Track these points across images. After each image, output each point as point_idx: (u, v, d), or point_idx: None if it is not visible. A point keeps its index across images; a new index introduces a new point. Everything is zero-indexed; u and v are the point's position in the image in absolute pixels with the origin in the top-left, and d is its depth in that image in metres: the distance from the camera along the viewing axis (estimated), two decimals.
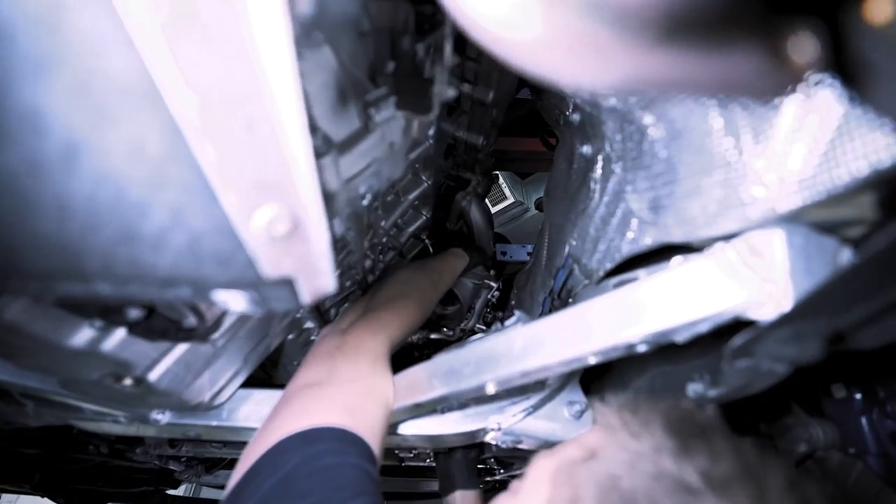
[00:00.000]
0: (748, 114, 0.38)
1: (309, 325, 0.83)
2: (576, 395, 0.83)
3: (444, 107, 0.90)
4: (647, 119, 0.48)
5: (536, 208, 1.77)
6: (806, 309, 0.35)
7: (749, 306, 0.39)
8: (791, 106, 0.34)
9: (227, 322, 0.67)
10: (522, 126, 1.70)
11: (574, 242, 0.75)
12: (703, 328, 0.44)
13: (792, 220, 0.37)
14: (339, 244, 0.69)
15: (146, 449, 1.15)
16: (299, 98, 0.29)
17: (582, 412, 0.80)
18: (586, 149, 0.70)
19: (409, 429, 0.77)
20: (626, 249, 0.58)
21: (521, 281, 1.12)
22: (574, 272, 0.79)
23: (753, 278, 0.39)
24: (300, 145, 0.31)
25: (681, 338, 0.46)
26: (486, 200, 1.88)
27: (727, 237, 0.43)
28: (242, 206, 0.32)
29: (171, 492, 1.66)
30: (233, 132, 0.29)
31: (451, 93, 0.65)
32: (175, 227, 0.34)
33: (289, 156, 0.31)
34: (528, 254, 1.44)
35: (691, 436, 0.47)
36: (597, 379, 0.86)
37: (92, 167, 0.31)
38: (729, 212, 0.42)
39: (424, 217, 1.09)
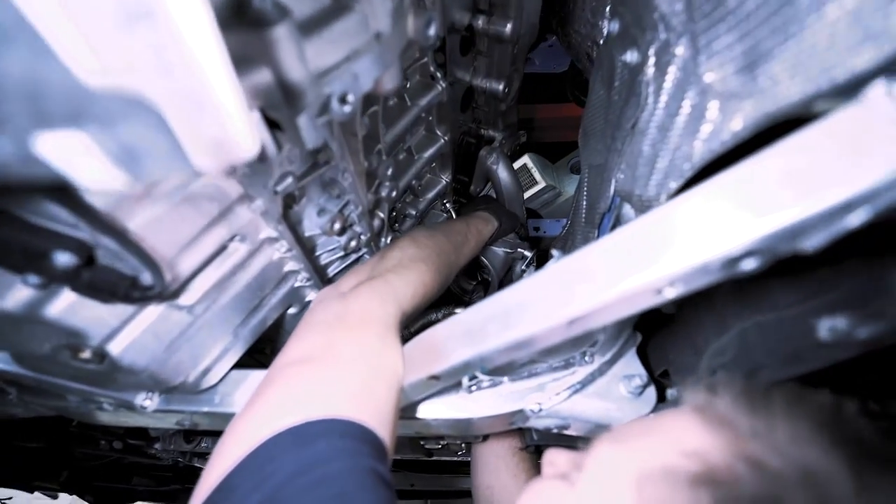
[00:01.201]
0: None
1: (312, 296, 0.70)
2: (633, 366, 0.65)
3: (456, 44, 0.76)
4: None
5: (572, 171, 1.58)
6: None
7: None
8: None
9: (202, 284, 0.53)
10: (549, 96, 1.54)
11: (622, 175, 0.58)
12: (860, 218, 0.27)
13: None
14: (322, 165, 0.54)
15: (164, 445, 1.04)
16: None
17: (643, 388, 0.62)
18: (630, 55, 0.53)
19: (431, 411, 0.61)
20: (701, 152, 0.41)
21: (556, 248, 0.95)
22: (624, 213, 0.61)
23: None
24: None
25: (816, 241, 0.28)
26: None
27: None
28: None
29: None
30: None
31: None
32: None
33: None
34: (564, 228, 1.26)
35: (861, 454, 0.30)
36: (657, 348, 0.68)
37: None
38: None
39: (444, 182, 0.94)
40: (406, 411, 0.60)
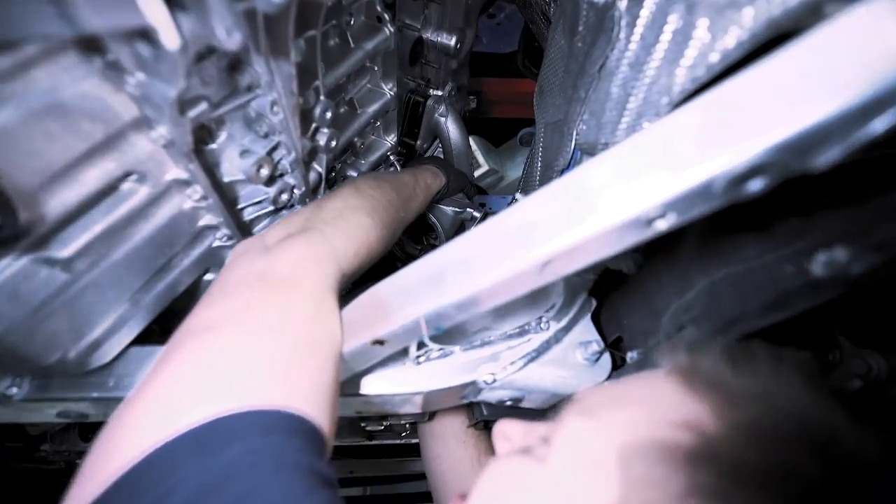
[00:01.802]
0: None
1: None
2: (589, 332, 0.61)
3: None
4: None
5: (521, 144, 1.55)
6: None
7: None
8: None
9: (83, 233, 0.42)
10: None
11: (584, 127, 0.53)
12: (884, 124, 0.23)
13: None
14: (246, 92, 0.44)
15: (54, 445, 0.87)
16: None
17: (599, 354, 0.58)
18: None
19: (374, 386, 0.53)
20: (683, 82, 0.37)
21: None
22: None
23: None
24: None
25: (831, 156, 0.24)
26: None
27: None
28: None
29: None
30: None
31: None
32: None
33: None
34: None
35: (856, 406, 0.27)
36: (611, 314, 0.65)
37: None
38: None
39: (389, 144, 0.85)
40: (345, 387, 0.52)
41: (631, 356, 0.58)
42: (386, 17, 0.66)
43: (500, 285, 0.33)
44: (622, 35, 0.44)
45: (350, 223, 0.52)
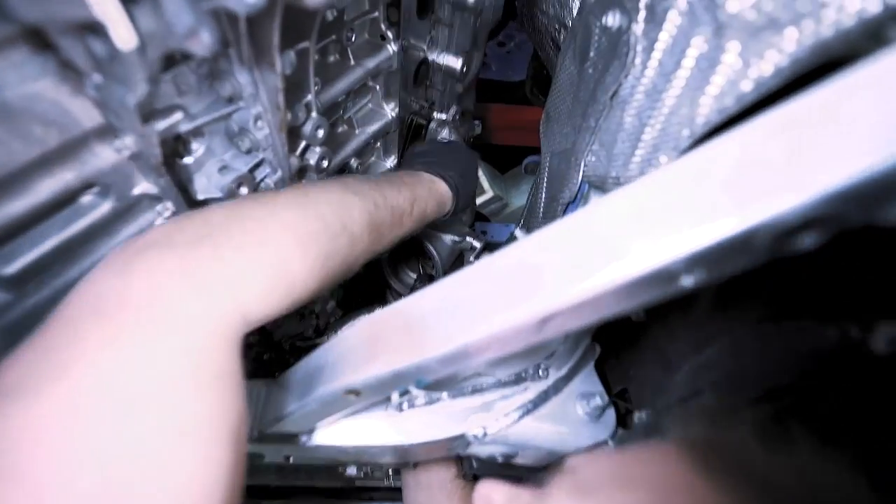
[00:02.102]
0: None
1: None
2: (591, 383, 0.55)
3: (414, 2, 0.65)
4: None
5: (526, 172, 1.51)
6: None
7: None
8: None
9: (32, 250, 0.37)
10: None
11: (592, 158, 0.49)
12: None
13: None
14: (226, 104, 0.40)
15: None
16: None
17: (602, 409, 0.52)
18: (612, 17, 0.44)
19: (348, 435, 0.47)
20: (708, 112, 0.32)
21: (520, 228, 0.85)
22: (591, 201, 0.52)
23: None
24: None
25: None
26: None
27: None
28: None
29: None
30: None
31: None
32: None
33: None
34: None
35: None
36: (617, 362, 0.59)
37: None
38: None
39: (388, 167, 0.81)
40: (316, 435, 0.46)
41: (639, 416, 0.52)
42: (390, 35, 0.63)
43: (491, 340, 0.27)
44: (638, 61, 0.40)
45: (272, 244, 0.35)
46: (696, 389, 0.40)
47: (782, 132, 0.20)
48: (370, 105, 0.71)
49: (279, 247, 0.35)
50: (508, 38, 1.54)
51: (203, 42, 0.28)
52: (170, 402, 0.26)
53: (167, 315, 0.27)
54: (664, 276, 0.23)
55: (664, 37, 0.36)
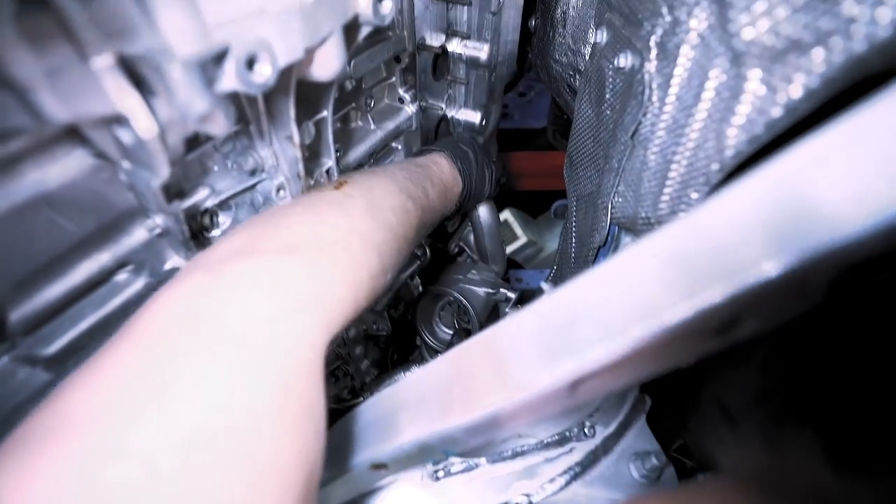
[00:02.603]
0: None
1: None
2: (645, 440, 0.50)
3: (428, 64, 0.67)
4: None
5: (555, 216, 1.49)
6: None
7: None
8: None
9: (69, 329, 0.38)
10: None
11: (619, 199, 0.47)
12: None
13: None
14: (249, 177, 0.41)
15: None
16: None
17: (660, 470, 0.47)
18: (625, 59, 0.44)
19: None
20: (737, 143, 0.30)
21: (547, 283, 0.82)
22: (625, 245, 0.49)
23: None
24: None
25: None
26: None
27: None
28: None
29: None
30: None
31: None
32: None
33: None
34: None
35: None
36: (672, 413, 0.53)
37: None
38: None
39: None
40: None
41: (702, 480, 0.45)
42: (408, 98, 0.65)
43: (518, 407, 0.25)
44: (655, 98, 0.39)
45: (356, 259, 0.35)
46: (768, 438, 0.35)
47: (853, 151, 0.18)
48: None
49: (361, 259, 0.35)
50: (528, 87, 1.58)
51: (220, 124, 0.30)
52: (254, 441, 0.24)
53: (263, 344, 0.27)
54: (711, 328, 0.20)
55: (679, 71, 0.35)
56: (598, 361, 0.23)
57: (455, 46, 0.67)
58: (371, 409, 0.36)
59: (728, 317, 0.19)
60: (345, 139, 0.60)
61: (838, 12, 0.21)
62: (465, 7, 0.64)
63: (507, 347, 0.28)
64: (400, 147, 0.71)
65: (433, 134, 0.74)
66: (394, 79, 0.63)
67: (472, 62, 0.68)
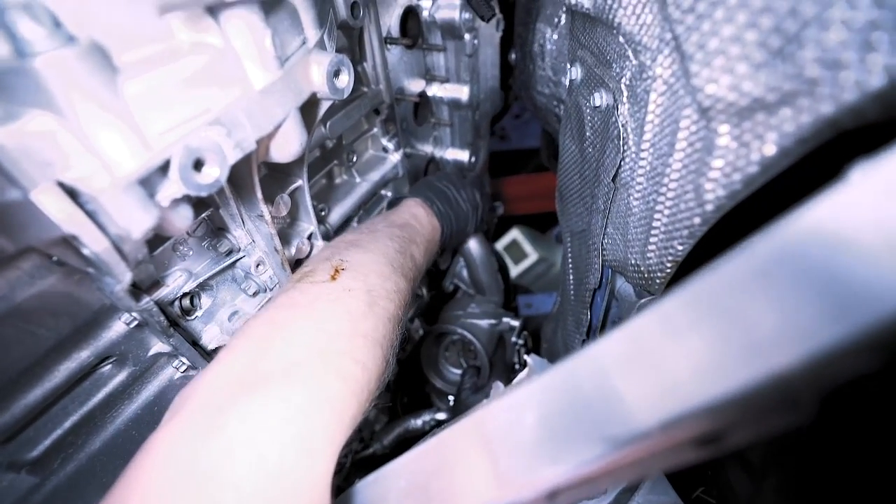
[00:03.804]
0: None
1: None
2: (661, 492, 0.46)
3: (409, 112, 0.67)
4: None
5: (558, 241, 1.46)
6: None
7: None
8: None
9: (52, 429, 0.38)
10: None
11: (608, 241, 0.44)
12: None
13: None
14: (223, 257, 0.40)
15: None
16: None
17: None
18: (599, 97, 0.42)
19: None
20: (716, 198, 0.28)
21: (548, 331, 0.79)
22: (620, 289, 0.47)
23: None
24: None
25: None
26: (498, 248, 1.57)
27: None
28: None
29: None
30: None
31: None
32: None
33: None
34: None
35: None
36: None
37: None
38: None
39: None
40: None
41: None
42: (391, 146, 0.64)
43: None
44: (631, 142, 0.37)
45: (363, 365, 0.34)
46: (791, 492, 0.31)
47: None
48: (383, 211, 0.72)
49: (368, 362, 0.35)
50: (523, 108, 1.57)
51: (175, 226, 0.29)
52: None
53: (276, 497, 0.26)
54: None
55: (651, 118, 0.33)
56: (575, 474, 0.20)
57: (435, 90, 0.66)
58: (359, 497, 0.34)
59: (709, 434, 0.17)
60: (330, 195, 0.59)
61: (799, 74, 0.19)
62: (441, 53, 0.63)
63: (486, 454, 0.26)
64: (389, 194, 0.70)
65: (422, 176, 0.73)
66: (375, 130, 0.63)
67: (454, 104, 0.67)
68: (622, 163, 0.39)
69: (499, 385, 0.34)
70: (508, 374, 0.81)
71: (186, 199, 0.30)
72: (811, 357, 0.15)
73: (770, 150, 0.23)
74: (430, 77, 0.66)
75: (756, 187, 0.26)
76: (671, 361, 0.18)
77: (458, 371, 0.84)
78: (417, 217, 0.57)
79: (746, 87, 0.22)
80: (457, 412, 0.75)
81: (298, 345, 0.33)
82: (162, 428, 0.29)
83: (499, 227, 1.48)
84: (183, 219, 0.29)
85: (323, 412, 0.30)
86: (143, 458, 0.27)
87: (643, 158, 0.35)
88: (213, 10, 0.27)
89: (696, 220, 0.30)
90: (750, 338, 0.16)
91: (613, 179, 0.41)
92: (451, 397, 0.82)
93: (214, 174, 0.27)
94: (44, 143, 0.23)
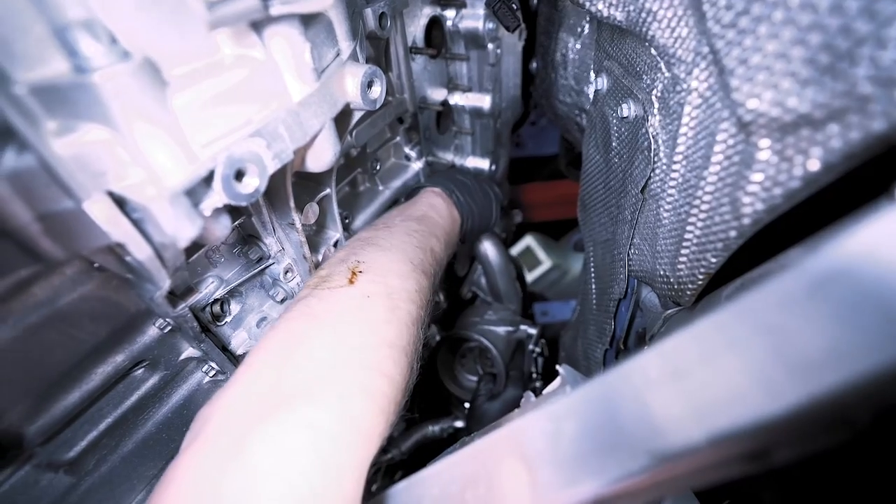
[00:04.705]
0: None
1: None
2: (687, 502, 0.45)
3: (431, 121, 0.67)
4: None
5: (576, 249, 1.45)
6: None
7: None
8: None
9: (88, 431, 0.38)
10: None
11: (635, 252, 0.44)
12: None
13: None
14: (254, 264, 0.40)
15: None
16: None
17: None
18: (627, 109, 0.42)
19: None
20: (754, 212, 0.27)
21: (566, 340, 0.78)
22: (645, 299, 0.46)
23: None
24: None
25: None
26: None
27: None
28: None
29: None
30: None
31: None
32: None
33: None
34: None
35: None
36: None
37: None
38: None
39: None
40: None
41: None
42: (413, 154, 0.65)
43: None
44: (662, 154, 0.37)
45: (388, 375, 0.33)
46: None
47: None
48: None
49: (393, 372, 0.34)
50: (539, 115, 1.57)
51: (214, 235, 0.29)
52: None
53: None
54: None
55: (684, 130, 0.33)
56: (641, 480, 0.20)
57: (457, 99, 0.67)
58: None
59: (758, 450, 0.17)
60: (354, 203, 0.60)
61: (851, 91, 0.19)
62: (464, 62, 0.64)
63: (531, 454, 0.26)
64: None
65: None
66: (398, 138, 0.63)
67: (476, 112, 0.68)
68: (652, 175, 0.38)
69: (530, 395, 0.34)
70: (525, 382, 0.80)
71: (225, 208, 0.30)
72: (874, 375, 0.15)
73: (814, 165, 0.22)
74: (452, 86, 0.66)
75: (797, 202, 0.25)
76: (724, 375, 0.18)
77: (474, 378, 0.84)
78: (436, 207, 0.55)
79: (791, 103, 0.22)
80: (471, 419, 0.74)
81: (319, 360, 0.32)
82: (184, 454, 0.28)
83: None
84: (222, 227, 0.30)
85: (350, 433, 0.29)
86: (166, 488, 0.27)
87: (675, 170, 0.35)
88: (257, 26, 0.28)
89: (732, 234, 0.29)
90: (806, 356, 0.16)
91: (642, 190, 0.41)
92: (466, 404, 0.82)
93: (254, 184, 0.28)
94: (97, 155, 0.24)
